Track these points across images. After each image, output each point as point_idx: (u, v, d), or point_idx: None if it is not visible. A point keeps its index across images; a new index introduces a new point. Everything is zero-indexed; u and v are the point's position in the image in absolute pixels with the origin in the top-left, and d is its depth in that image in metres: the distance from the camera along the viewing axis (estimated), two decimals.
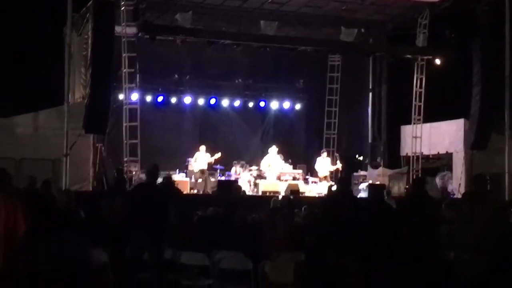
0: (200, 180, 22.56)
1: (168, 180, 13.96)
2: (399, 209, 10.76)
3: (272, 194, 21.34)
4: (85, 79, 20.90)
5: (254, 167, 23.72)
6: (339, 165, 23.99)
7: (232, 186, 21.20)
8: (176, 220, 10.68)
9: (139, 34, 21.71)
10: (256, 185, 22.96)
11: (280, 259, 10.00)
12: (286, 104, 28.09)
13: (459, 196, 21.43)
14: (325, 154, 24.06)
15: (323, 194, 21.41)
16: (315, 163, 23.81)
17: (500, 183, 20.82)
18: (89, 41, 19.97)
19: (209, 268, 10.11)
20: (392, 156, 25.93)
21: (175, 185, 12.34)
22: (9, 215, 8.30)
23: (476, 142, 21.74)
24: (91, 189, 20.21)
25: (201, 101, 26.72)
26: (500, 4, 21.22)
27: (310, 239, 10.45)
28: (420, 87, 24.30)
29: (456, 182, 22.48)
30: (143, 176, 19.52)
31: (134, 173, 21.80)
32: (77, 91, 21.91)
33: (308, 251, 9.87)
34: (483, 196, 9.41)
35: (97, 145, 21.30)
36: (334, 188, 17.29)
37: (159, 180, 12.48)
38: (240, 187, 17.92)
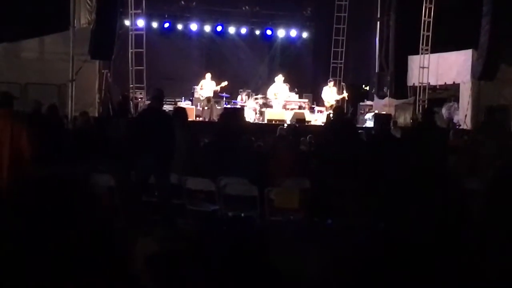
0: (206, 108, 22.54)
1: (180, 109, 13.93)
2: (407, 137, 10.79)
3: (277, 122, 21.37)
4: (91, 4, 20.73)
5: (260, 96, 23.70)
6: (345, 95, 23.91)
7: (237, 114, 21.27)
8: (183, 145, 10.67)
9: None
10: (262, 113, 22.95)
11: (285, 185, 10.04)
12: (293, 33, 27.91)
13: (465, 127, 21.46)
14: (331, 83, 23.94)
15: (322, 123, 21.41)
16: (321, 92, 23.71)
17: (506, 115, 20.71)
18: None
19: (215, 194, 10.15)
20: (399, 86, 25.78)
21: (185, 113, 12.26)
22: (14, 135, 8.32)
23: (484, 73, 21.53)
24: (96, 115, 20.21)
25: (207, 28, 26.57)
26: None
27: (313, 165, 10.54)
28: (429, 16, 24.05)
29: (463, 113, 22.40)
30: (149, 103, 19.52)
31: (140, 99, 21.80)
32: (83, 17, 21.70)
33: (311, 177, 9.93)
34: (498, 128, 9.43)
35: (103, 71, 21.23)
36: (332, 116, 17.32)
37: (166, 107, 12.48)
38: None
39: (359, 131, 14.38)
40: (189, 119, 14.59)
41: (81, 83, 19.26)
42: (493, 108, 9.90)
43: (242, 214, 9.48)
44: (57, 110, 13.24)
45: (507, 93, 21.46)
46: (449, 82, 24.02)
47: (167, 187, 10.11)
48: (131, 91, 21.98)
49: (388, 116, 16.75)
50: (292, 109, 22.91)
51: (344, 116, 12.01)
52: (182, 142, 10.61)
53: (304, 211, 9.52)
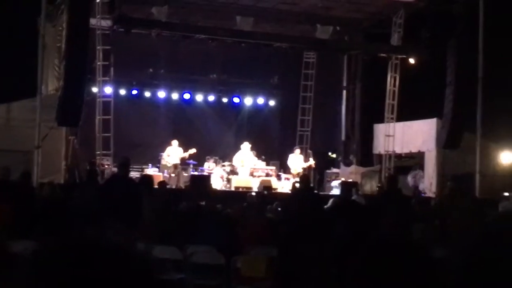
0: (173, 175, 22.51)
1: (147, 177, 13.92)
2: (373, 205, 10.88)
3: (245, 189, 21.39)
4: (59, 71, 20.79)
5: (227, 163, 23.75)
6: (312, 162, 24.02)
7: (205, 181, 21.32)
8: (150, 213, 10.64)
9: (114, 27, 21.60)
10: (229, 180, 22.97)
11: (252, 254, 10.02)
12: (260, 100, 28.14)
13: (431, 195, 21.64)
14: (298, 151, 24.06)
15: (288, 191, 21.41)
16: (288, 159, 23.82)
17: (471, 182, 20.98)
18: (64, 33, 19.83)
19: (181, 262, 10.09)
20: (364, 154, 26.03)
21: (152, 181, 12.30)
22: None
23: (448, 141, 21.89)
24: (62, 181, 20.06)
25: (175, 96, 26.70)
26: (475, 5, 21.37)
27: (280, 233, 10.54)
28: (394, 85, 24.42)
29: (428, 181, 22.61)
30: (115, 170, 19.45)
31: (106, 166, 21.71)
32: (51, 83, 21.76)
33: (279, 245, 9.92)
34: (464, 196, 9.56)
35: (69, 137, 21.15)
36: (298, 184, 17.38)
37: (132, 174, 12.45)
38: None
39: (332, 199, 14.45)
40: (155, 187, 14.63)
41: (48, 150, 19.18)
42: (457, 177, 10.05)
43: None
44: (30, 178, 13.15)
45: (471, 161, 21.73)
46: (414, 150, 24.30)
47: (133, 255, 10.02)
48: (97, 157, 21.90)
49: (352, 184, 16.90)
50: (259, 176, 22.93)
51: (309, 185, 12.11)
52: (149, 209, 10.58)
53: (271, 280, 9.47)
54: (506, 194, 15.21)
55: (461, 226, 8.93)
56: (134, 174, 19.99)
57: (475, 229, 8.90)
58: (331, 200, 13.96)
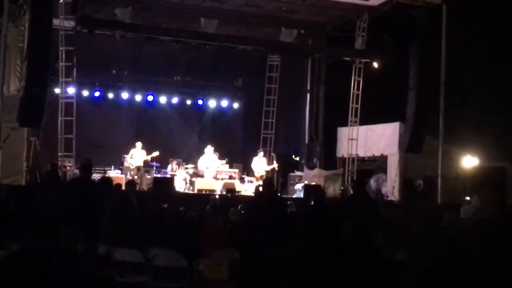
0: (136, 177, 22.38)
1: (106, 179, 13.81)
2: (340, 208, 10.91)
3: (208, 192, 21.37)
4: (21, 72, 20.52)
5: (190, 165, 23.68)
6: (275, 165, 24.06)
7: (168, 183, 21.25)
8: (111, 215, 10.55)
9: (77, 28, 21.45)
10: (192, 183, 22.92)
11: (214, 257, 9.99)
12: (224, 103, 28.09)
13: (393, 198, 21.78)
14: (261, 153, 24.11)
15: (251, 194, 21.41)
16: (251, 162, 23.83)
17: (433, 186, 21.16)
18: (26, 33, 19.61)
19: (144, 265, 10.02)
20: (328, 157, 26.12)
21: (112, 182, 12.21)
22: None
23: (410, 145, 22.04)
24: (23, 183, 19.84)
25: (138, 97, 26.54)
26: (437, 10, 21.58)
27: (243, 236, 10.54)
28: (358, 89, 24.54)
29: (390, 185, 22.74)
30: (77, 172, 19.28)
31: (68, 168, 21.52)
32: (12, 84, 21.48)
33: (242, 248, 9.92)
34: (416, 199, 9.62)
35: (31, 138, 20.90)
36: (261, 188, 17.40)
37: (95, 176, 12.37)
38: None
39: (288, 202, 14.43)
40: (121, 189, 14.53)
41: (9, 151, 18.98)
42: (412, 181, 10.12)
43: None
44: None
45: (433, 165, 21.91)
46: (377, 153, 24.44)
47: (94, 258, 9.95)
48: (60, 159, 21.70)
49: (319, 187, 16.92)
50: (222, 179, 22.93)
51: (273, 188, 12.11)
52: (110, 212, 10.50)
53: (233, 283, 9.46)
54: (468, 198, 15.31)
55: (418, 230, 8.99)
56: (96, 176, 19.84)
57: (431, 233, 8.99)
58: (292, 203, 13.91)
